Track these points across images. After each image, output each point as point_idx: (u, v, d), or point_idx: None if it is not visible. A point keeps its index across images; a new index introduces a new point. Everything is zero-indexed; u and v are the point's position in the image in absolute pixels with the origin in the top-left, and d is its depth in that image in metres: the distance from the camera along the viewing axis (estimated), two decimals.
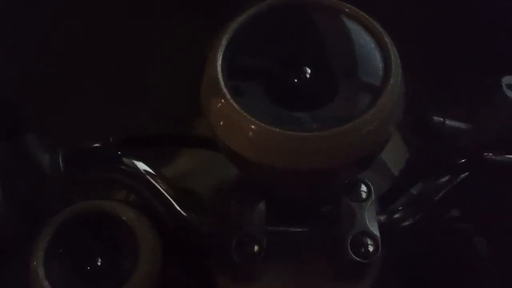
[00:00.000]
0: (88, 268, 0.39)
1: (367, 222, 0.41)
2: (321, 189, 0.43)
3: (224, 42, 0.39)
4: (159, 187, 0.44)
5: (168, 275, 0.43)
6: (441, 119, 0.47)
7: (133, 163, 0.45)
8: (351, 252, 0.40)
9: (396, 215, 0.45)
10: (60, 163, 0.41)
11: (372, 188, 0.43)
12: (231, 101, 0.37)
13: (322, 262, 0.44)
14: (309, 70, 0.39)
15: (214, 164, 0.48)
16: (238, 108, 0.36)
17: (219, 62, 0.38)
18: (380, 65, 0.38)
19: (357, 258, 0.40)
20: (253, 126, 0.36)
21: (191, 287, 0.48)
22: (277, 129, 0.36)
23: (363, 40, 0.39)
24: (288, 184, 0.41)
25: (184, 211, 0.43)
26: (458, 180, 0.46)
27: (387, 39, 0.38)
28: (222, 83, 0.37)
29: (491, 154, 0.45)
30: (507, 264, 0.53)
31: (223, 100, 0.37)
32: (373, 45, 0.39)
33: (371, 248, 0.40)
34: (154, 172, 0.45)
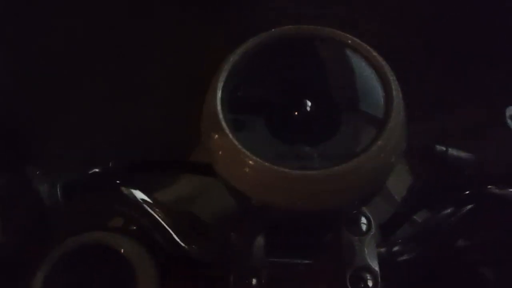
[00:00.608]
0: None
1: (367, 257, 0.41)
2: (319, 224, 0.42)
3: (224, 74, 0.39)
4: (157, 217, 0.44)
5: None
6: (444, 149, 0.46)
7: (132, 192, 0.45)
8: (350, 286, 0.40)
9: (396, 248, 0.44)
10: (59, 193, 0.41)
11: (372, 221, 0.42)
12: (230, 136, 0.37)
13: None
14: (310, 104, 0.38)
15: (214, 190, 0.48)
16: (237, 143, 0.36)
17: (219, 95, 0.38)
18: (381, 98, 0.38)
19: None
20: (252, 163, 0.36)
21: None
22: (277, 167, 0.35)
23: (364, 72, 0.39)
24: (288, 221, 0.40)
25: (182, 242, 0.43)
26: (462, 212, 0.45)
27: (388, 71, 0.38)
28: (221, 117, 0.37)
29: (495, 187, 0.44)
30: None
31: (222, 135, 0.37)
32: (374, 78, 0.38)
33: (370, 283, 0.40)
34: (153, 201, 0.45)
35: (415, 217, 0.50)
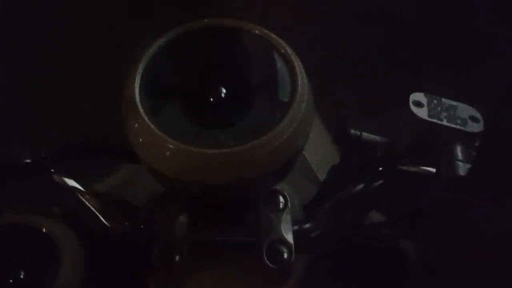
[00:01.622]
0: (11, 280, 0.41)
1: (282, 231, 0.44)
2: (239, 200, 0.45)
3: (142, 63, 0.41)
4: (85, 201, 0.45)
5: (96, 284, 0.45)
6: (358, 132, 0.50)
7: (63, 179, 0.46)
8: (266, 259, 0.43)
9: (312, 223, 0.47)
10: None
11: (288, 198, 0.45)
12: (147, 120, 0.39)
13: (242, 269, 0.46)
14: (223, 89, 0.41)
15: (146, 176, 0.50)
16: (153, 127, 0.39)
17: (137, 82, 0.40)
18: (288, 83, 0.41)
19: (271, 265, 0.43)
20: (168, 145, 0.38)
21: None
22: (192, 147, 0.38)
23: (273, 61, 0.42)
24: (207, 197, 0.43)
25: (108, 222, 0.45)
26: (373, 187, 0.49)
27: (294, 58, 0.41)
28: (139, 103, 0.39)
29: (402, 164, 0.48)
30: (434, 265, 0.56)
31: (140, 119, 0.39)
32: (282, 66, 0.41)
33: (285, 255, 0.43)
34: (83, 187, 0.47)
35: (336, 196, 0.53)
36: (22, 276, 0.41)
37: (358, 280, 0.58)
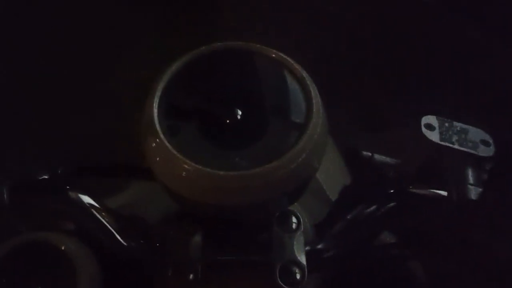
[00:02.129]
0: None
1: (296, 252, 0.44)
2: (252, 221, 0.46)
3: (162, 83, 0.42)
4: (101, 218, 0.46)
5: None
6: (370, 154, 0.50)
7: (79, 196, 0.47)
8: (279, 280, 0.43)
9: (324, 244, 0.48)
10: (5, 195, 0.43)
11: (301, 219, 0.46)
12: (165, 140, 0.40)
13: None
14: (239, 111, 0.42)
15: (160, 194, 0.51)
16: (171, 147, 0.40)
17: (156, 102, 0.41)
18: (303, 105, 0.42)
19: (284, 286, 0.43)
20: (185, 166, 0.39)
21: None
22: (208, 169, 0.39)
23: (288, 83, 0.43)
24: (221, 217, 0.44)
25: (124, 240, 0.46)
26: (385, 209, 0.49)
27: (309, 82, 0.42)
28: (157, 123, 0.40)
29: (414, 187, 0.48)
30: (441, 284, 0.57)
31: (157, 140, 0.40)
32: (297, 88, 0.42)
33: (298, 276, 0.43)
34: (99, 204, 0.47)
35: (347, 217, 0.53)
36: None
37: None
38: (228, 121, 0.42)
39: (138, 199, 0.59)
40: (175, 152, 0.39)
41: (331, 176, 0.60)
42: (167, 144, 0.40)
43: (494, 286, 0.51)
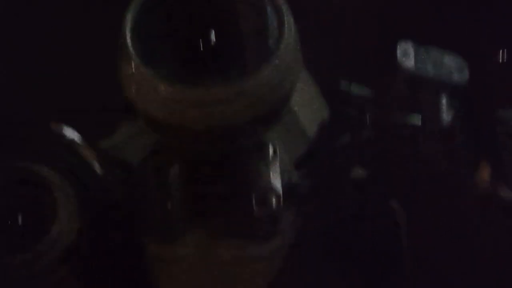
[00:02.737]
0: (9, 223, 0.42)
1: (271, 180, 0.45)
2: (228, 150, 0.46)
3: (134, 8, 0.42)
4: (82, 152, 0.47)
5: (93, 235, 0.46)
6: (348, 84, 0.50)
7: (61, 131, 0.47)
8: (255, 208, 0.44)
9: (299, 176, 0.48)
10: None
11: (277, 148, 0.46)
12: (140, 64, 0.40)
13: (235, 220, 0.47)
14: (212, 35, 0.42)
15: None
16: (146, 71, 0.40)
17: (129, 28, 0.41)
18: (275, 27, 0.41)
19: (260, 214, 0.44)
20: (161, 87, 0.39)
21: (117, 248, 0.51)
22: (181, 88, 0.39)
23: (262, 7, 0.42)
24: (197, 142, 0.44)
25: (103, 175, 0.46)
26: (361, 141, 0.49)
27: (283, 6, 0.42)
28: (131, 48, 0.40)
29: (391, 116, 0.49)
30: (420, 226, 0.58)
31: (132, 65, 0.40)
32: (271, 12, 0.42)
33: (273, 203, 0.44)
34: (81, 140, 0.47)
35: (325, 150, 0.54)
36: (20, 221, 0.42)
37: (346, 237, 0.59)
38: (201, 44, 0.42)
39: (126, 140, 0.59)
40: (150, 75, 0.39)
41: (310, 114, 0.60)
42: (142, 67, 0.40)
43: (472, 220, 0.52)
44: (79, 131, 0.48)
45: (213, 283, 0.52)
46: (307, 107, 0.60)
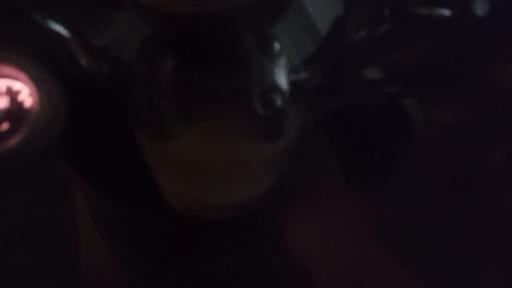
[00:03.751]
0: None
1: (276, 77, 0.40)
2: (228, 42, 0.41)
3: None
4: (64, 42, 0.42)
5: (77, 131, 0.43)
6: None
7: (45, 20, 0.42)
8: (258, 106, 0.40)
9: (307, 74, 0.44)
10: None
11: (283, 44, 0.41)
12: None
13: (233, 117, 0.43)
14: None
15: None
16: None
17: None
18: None
19: (264, 113, 0.40)
20: None
21: (109, 142, 0.48)
22: None
23: None
24: (193, 35, 0.39)
25: (88, 65, 0.42)
26: (380, 34, 0.44)
27: None
28: None
29: (414, 7, 0.43)
30: (439, 125, 0.54)
31: None
32: None
33: (278, 103, 0.40)
34: (67, 31, 0.43)
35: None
36: None
37: (358, 139, 0.56)
38: None
39: (124, 34, 0.54)
40: None
41: (323, 8, 0.54)
42: None
43: (493, 122, 0.48)
44: (67, 23, 0.43)
45: (211, 185, 0.49)
46: (319, 3, 0.54)
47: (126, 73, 0.43)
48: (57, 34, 0.43)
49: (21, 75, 0.39)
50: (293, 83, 0.41)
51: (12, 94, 0.39)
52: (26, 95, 0.39)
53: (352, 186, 0.59)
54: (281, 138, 0.45)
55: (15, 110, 0.39)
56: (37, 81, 0.39)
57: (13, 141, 0.38)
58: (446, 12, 0.40)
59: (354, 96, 0.48)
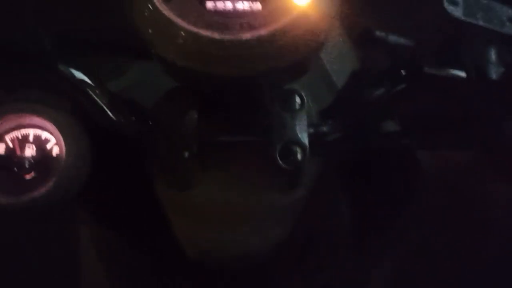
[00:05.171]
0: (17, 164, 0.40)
1: (297, 132, 0.42)
2: (252, 99, 0.43)
3: None
4: (92, 94, 0.43)
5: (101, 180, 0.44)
6: (384, 33, 0.46)
7: (70, 71, 0.44)
8: (279, 160, 0.41)
9: (326, 127, 0.45)
10: None
11: (305, 99, 0.43)
12: (160, 5, 0.36)
13: (253, 170, 0.45)
14: None
15: (160, 76, 0.47)
16: (166, 12, 0.36)
17: None
18: None
19: (285, 166, 0.41)
20: (179, 30, 0.36)
21: (128, 192, 0.49)
22: (203, 32, 0.35)
23: None
24: (218, 92, 0.41)
25: (115, 117, 0.43)
26: (396, 91, 0.45)
27: None
28: None
29: (430, 68, 0.45)
30: (448, 176, 0.55)
31: (152, 5, 0.36)
32: None
33: (299, 156, 0.41)
34: (92, 81, 0.44)
35: (354, 102, 0.50)
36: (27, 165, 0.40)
37: (371, 187, 0.57)
38: None
39: (136, 81, 0.55)
40: (170, 16, 0.36)
41: (339, 63, 0.56)
42: (162, 8, 0.36)
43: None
44: (87, 71, 0.45)
45: (228, 232, 0.50)
46: (337, 59, 0.56)
47: (148, 122, 0.44)
48: (82, 82, 0.44)
49: (49, 125, 0.40)
50: (312, 136, 0.42)
51: (40, 144, 0.40)
52: (54, 145, 0.40)
53: (362, 233, 0.60)
54: (298, 188, 0.46)
55: (43, 159, 0.40)
56: (64, 132, 0.40)
57: (41, 190, 0.39)
58: (461, 74, 0.42)
59: (368, 147, 0.50)
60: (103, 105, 0.43)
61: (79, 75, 0.44)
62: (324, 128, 0.45)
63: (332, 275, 0.57)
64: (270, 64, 0.36)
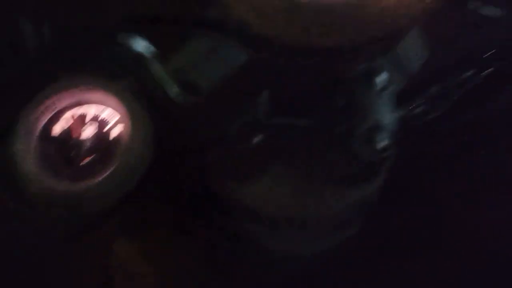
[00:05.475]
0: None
1: (381, 114, 0.37)
2: (329, 76, 0.38)
3: None
4: (156, 68, 0.40)
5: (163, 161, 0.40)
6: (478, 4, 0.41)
7: (133, 44, 0.41)
8: (359, 147, 0.36)
9: (416, 111, 0.40)
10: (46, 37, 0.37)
11: (392, 77, 0.38)
12: None
13: (331, 158, 0.40)
14: None
15: (223, 50, 0.43)
16: None
17: None
18: None
19: (367, 156, 0.36)
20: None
21: (191, 181, 0.45)
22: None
23: None
24: (296, 66, 0.36)
25: (178, 95, 0.39)
26: (481, 76, 0.40)
27: None
28: None
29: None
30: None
31: None
32: None
33: (382, 144, 0.36)
34: (156, 54, 0.41)
35: (432, 88, 0.45)
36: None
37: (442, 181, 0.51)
38: None
39: (200, 54, 0.52)
40: None
41: (412, 51, 0.51)
42: None
43: None
44: (150, 45, 0.42)
45: (296, 230, 0.45)
46: (411, 47, 0.51)
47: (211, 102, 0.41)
48: (140, 55, 0.41)
49: (113, 101, 0.37)
50: (398, 120, 0.37)
51: (101, 123, 0.37)
52: (116, 124, 0.37)
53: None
54: (378, 178, 0.42)
55: (103, 141, 0.36)
56: (130, 109, 0.37)
57: (101, 174, 0.35)
58: None
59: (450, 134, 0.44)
60: (166, 79, 0.40)
61: (142, 48, 0.41)
62: (419, 109, 0.40)
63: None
64: (355, 33, 0.32)
